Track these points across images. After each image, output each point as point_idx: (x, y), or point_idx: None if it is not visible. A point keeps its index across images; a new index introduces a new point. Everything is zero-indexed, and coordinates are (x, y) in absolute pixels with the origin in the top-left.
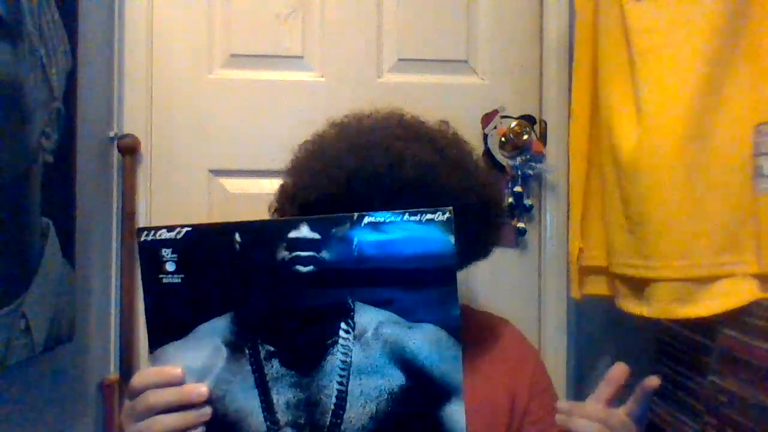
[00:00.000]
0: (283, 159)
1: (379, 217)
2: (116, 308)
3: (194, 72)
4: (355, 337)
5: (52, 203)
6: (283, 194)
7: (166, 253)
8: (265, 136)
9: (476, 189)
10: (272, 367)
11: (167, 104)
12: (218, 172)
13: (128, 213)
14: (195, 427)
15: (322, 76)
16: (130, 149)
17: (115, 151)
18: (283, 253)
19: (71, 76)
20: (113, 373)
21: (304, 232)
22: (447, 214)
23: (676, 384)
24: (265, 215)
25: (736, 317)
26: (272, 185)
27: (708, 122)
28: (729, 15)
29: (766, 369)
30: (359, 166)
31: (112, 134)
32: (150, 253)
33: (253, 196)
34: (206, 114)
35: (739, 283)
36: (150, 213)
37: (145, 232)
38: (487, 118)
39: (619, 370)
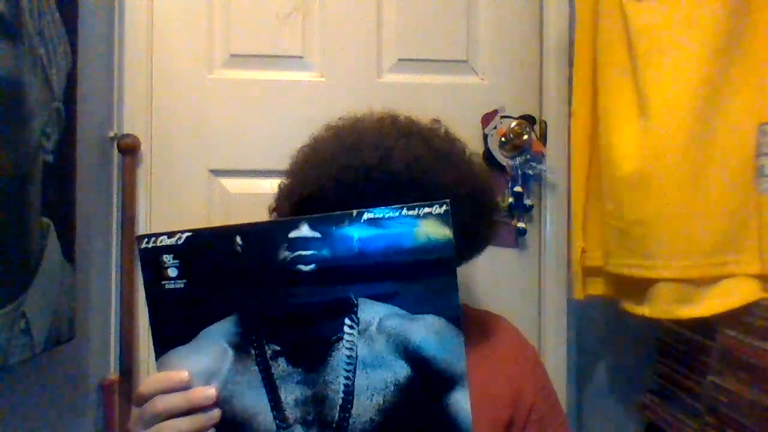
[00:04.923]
0: (283, 159)
1: (377, 213)
2: (116, 308)
3: (194, 72)
4: (359, 332)
5: (52, 203)
6: (280, 194)
7: (167, 259)
8: (265, 136)
9: (466, 181)
10: (279, 365)
11: (167, 104)
12: (218, 172)
13: (128, 213)
14: (205, 429)
15: (322, 76)
16: (130, 149)
17: (115, 151)
18: (285, 254)
19: (71, 76)
20: (113, 373)
21: (305, 231)
22: (444, 207)
23: (676, 384)
24: (265, 215)
25: (736, 317)
26: (272, 185)
27: (710, 122)
28: (730, 14)
29: (766, 369)
30: (349, 161)
31: (112, 134)
32: (151, 259)
33: (253, 196)
34: (206, 114)
35: (740, 283)
36: (150, 213)
37: (145, 239)
38: (487, 118)
39: None
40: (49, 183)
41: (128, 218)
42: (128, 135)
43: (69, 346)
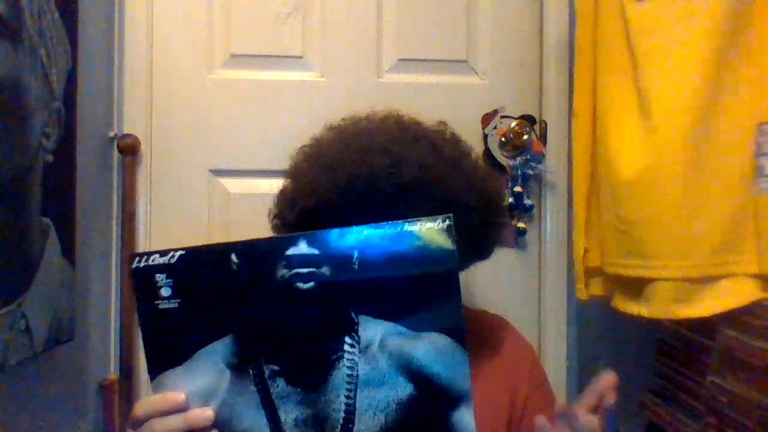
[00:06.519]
0: (283, 159)
1: (378, 228)
2: (116, 308)
3: (194, 72)
4: (360, 351)
5: (52, 203)
6: (283, 200)
7: (161, 278)
8: (265, 136)
9: (476, 189)
10: (278, 386)
11: (167, 104)
12: (218, 172)
13: (128, 213)
14: None
15: (322, 76)
16: (130, 149)
17: (115, 151)
18: (283, 271)
19: (71, 76)
20: (113, 373)
21: (303, 248)
22: (447, 222)
23: (676, 384)
24: (265, 215)
25: (736, 317)
26: (272, 185)
27: (710, 122)
28: (731, 14)
29: (766, 369)
30: (358, 169)
31: (112, 134)
32: (144, 279)
33: (253, 196)
34: (206, 114)
35: (740, 283)
36: (150, 213)
37: (138, 258)
38: (487, 118)
39: (606, 381)
40: (49, 183)
41: (128, 218)
42: (128, 135)
43: (69, 346)
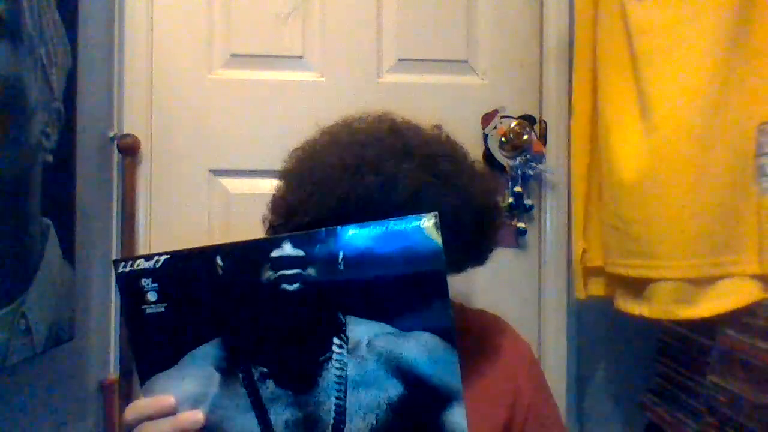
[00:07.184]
0: (283, 159)
1: (363, 228)
2: (116, 308)
3: (194, 72)
4: (348, 351)
5: (52, 203)
6: (276, 212)
7: (146, 283)
8: (265, 136)
9: (472, 203)
10: (267, 388)
11: (167, 104)
12: (218, 172)
13: (128, 213)
14: None
15: (322, 76)
16: (130, 149)
17: (115, 151)
18: (268, 273)
19: (71, 76)
20: (113, 373)
21: (288, 250)
22: (433, 220)
23: (676, 384)
24: None
25: (736, 317)
26: (272, 185)
27: (711, 122)
28: (732, 14)
29: (766, 369)
30: (350, 188)
31: (112, 134)
32: (129, 284)
33: (253, 196)
34: (206, 114)
35: (740, 283)
36: (150, 213)
37: (122, 264)
38: (487, 118)
39: None
40: (49, 183)
41: (128, 218)
42: (128, 135)
43: (69, 346)
